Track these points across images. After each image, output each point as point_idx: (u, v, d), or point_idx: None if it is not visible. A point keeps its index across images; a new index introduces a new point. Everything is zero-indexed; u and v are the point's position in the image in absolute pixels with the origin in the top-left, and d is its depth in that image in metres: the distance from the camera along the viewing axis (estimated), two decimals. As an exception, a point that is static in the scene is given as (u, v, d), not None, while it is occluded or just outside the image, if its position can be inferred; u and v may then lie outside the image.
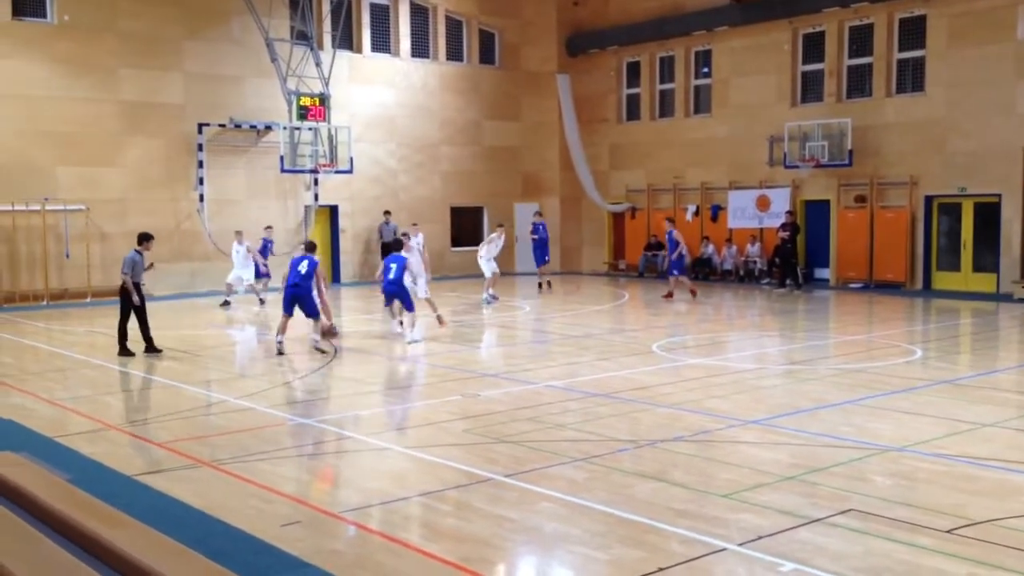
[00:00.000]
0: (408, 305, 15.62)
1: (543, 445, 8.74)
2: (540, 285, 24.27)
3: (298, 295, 14.41)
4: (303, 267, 14.41)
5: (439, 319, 16.76)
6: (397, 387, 11.93)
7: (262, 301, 21.17)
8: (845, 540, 6.17)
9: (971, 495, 7.12)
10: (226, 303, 21.14)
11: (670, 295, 21.93)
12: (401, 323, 16.17)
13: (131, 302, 14.37)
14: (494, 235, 21.65)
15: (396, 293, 15.66)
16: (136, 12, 23.78)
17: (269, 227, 23.32)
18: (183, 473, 7.97)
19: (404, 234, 18.83)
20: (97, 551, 5.72)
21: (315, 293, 14.57)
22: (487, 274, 21.15)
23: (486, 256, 21.10)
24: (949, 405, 10.32)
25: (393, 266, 15.52)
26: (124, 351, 14.36)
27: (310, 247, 15.08)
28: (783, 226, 24.18)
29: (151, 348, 14.57)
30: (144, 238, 14.99)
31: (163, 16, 24.16)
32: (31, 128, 22.50)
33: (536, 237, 24.25)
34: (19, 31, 22.41)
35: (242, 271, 21.29)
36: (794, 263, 24.26)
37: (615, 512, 6.78)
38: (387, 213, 24.97)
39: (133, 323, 14.49)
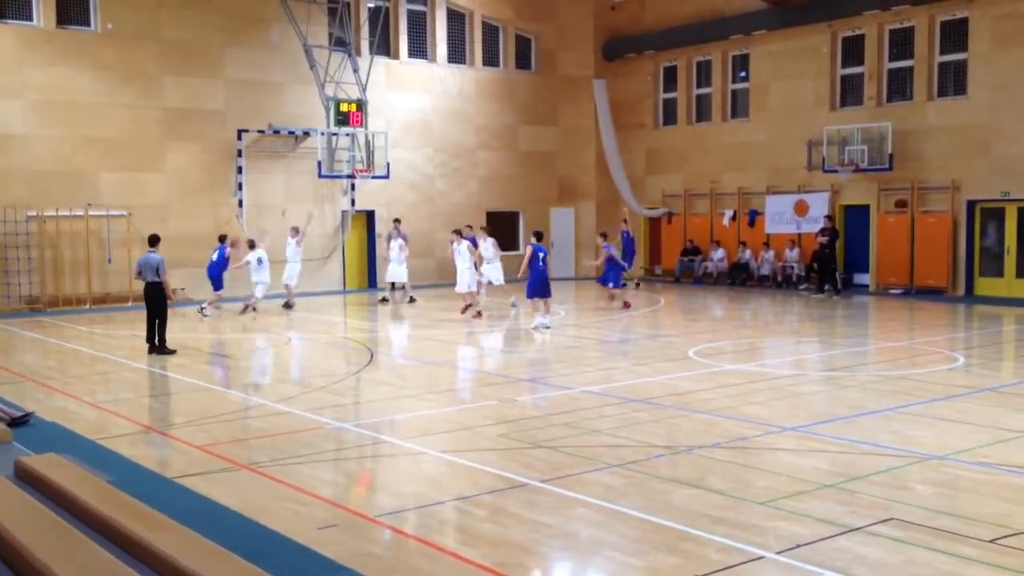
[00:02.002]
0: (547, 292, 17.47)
1: (579, 450, 8.72)
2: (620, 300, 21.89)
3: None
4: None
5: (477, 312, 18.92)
6: (434, 391, 11.97)
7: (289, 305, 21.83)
8: (885, 549, 6.08)
9: (1015, 504, 7.00)
10: (288, 305, 21.81)
11: (627, 305, 21.18)
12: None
13: (164, 302, 15.14)
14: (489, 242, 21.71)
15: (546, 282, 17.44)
16: (178, 20, 24.11)
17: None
18: (222, 476, 8.05)
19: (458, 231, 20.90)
20: (137, 552, 5.79)
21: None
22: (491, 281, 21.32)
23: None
24: (992, 413, 10.16)
25: (541, 254, 17.46)
26: (165, 349, 14.97)
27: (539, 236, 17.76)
28: (822, 231, 23.93)
29: (165, 348, 15.16)
30: (155, 240, 15.84)
31: (204, 24, 24.48)
32: (75, 135, 22.90)
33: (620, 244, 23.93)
34: (64, 39, 22.82)
35: (294, 267, 22.00)
36: (833, 268, 23.99)
37: (651, 519, 6.75)
38: (397, 221, 24.72)
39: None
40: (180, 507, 6.87)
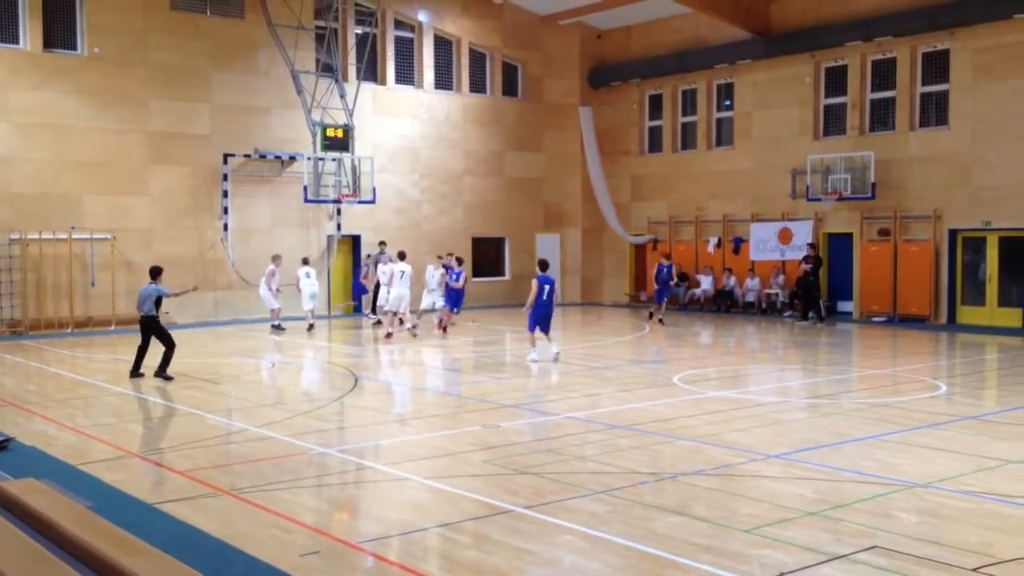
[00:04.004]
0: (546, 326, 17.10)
1: (563, 477, 8.69)
2: (651, 315, 24.44)
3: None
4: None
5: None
6: (418, 417, 11.92)
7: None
8: (869, 577, 6.07)
9: (998, 533, 7.01)
10: (311, 327, 22.61)
11: (444, 328, 21.62)
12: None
13: (156, 332, 15.09)
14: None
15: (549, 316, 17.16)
16: (165, 45, 24.16)
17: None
18: (203, 501, 7.98)
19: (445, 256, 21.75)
20: (116, 579, 5.72)
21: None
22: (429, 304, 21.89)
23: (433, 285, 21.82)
24: (975, 441, 10.19)
25: (547, 287, 16.83)
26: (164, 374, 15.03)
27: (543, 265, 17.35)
28: (805, 258, 24.07)
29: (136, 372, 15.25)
30: (157, 271, 15.61)
31: (191, 49, 24.52)
32: (60, 158, 22.84)
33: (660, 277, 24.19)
34: (50, 63, 22.81)
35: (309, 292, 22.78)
36: (816, 296, 24.11)
37: (636, 546, 6.72)
38: (382, 243, 24.70)
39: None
40: (160, 533, 6.79)
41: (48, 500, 7.23)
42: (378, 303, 23.03)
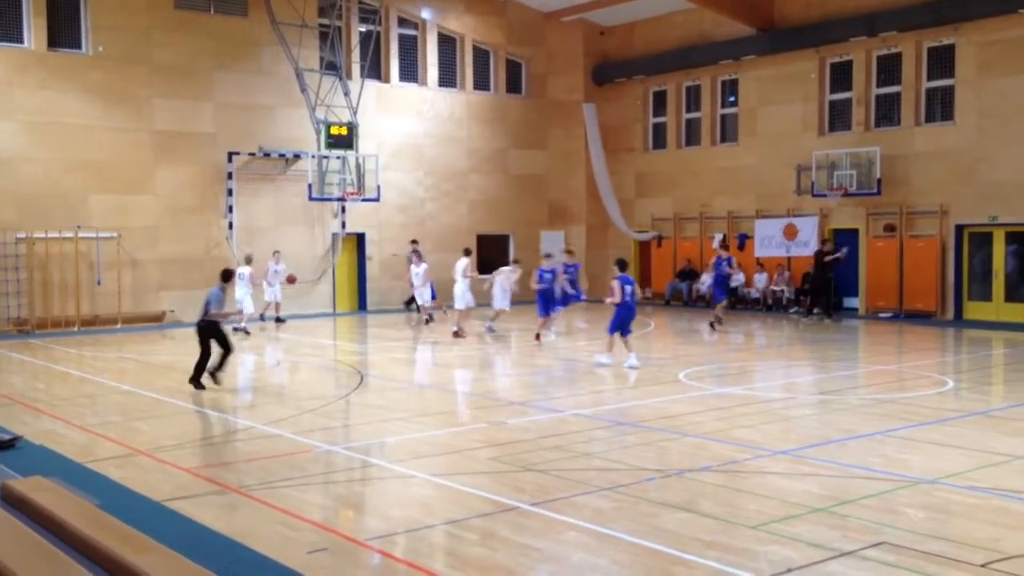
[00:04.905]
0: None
1: (569, 474, 8.69)
2: (713, 324, 21.15)
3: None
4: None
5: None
6: (424, 414, 11.93)
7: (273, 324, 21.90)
8: (877, 573, 6.07)
9: (1006, 528, 6.99)
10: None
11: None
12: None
13: (215, 337, 13.83)
14: (507, 268, 21.46)
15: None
16: (169, 43, 24.18)
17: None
18: (210, 499, 7.99)
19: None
20: (125, 576, 5.74)
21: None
22: (498, 305, 20.77)
23: (500, 286, 20.78)
24: (982, 437, 10.17)
25: (628, 287, 15.77)
26: (204, 382, 13.83)
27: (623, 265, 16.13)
28: (827, 253, 23.68)
29: (198, 382, 13.81)
30: (229, 275, 14.56)
31: (195, 47, 24.54)
32: (65, 157, 22.87)
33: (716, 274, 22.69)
34: (54, 62, 22.84)
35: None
36: (828, 293, 24.01)
37: (642, 542, 6.72)
38: (414, 242, 24.95)
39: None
40: (168, 531, 6.81)
41: (56, 498, 7.25)
42: (418, 302, 23.41)
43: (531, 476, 8.62)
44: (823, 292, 23.89)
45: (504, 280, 20.78)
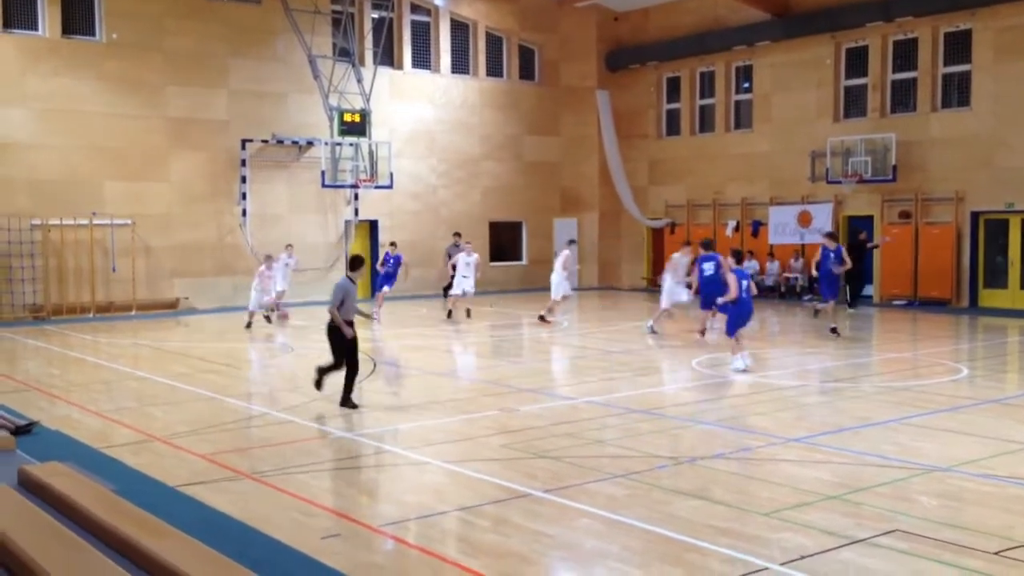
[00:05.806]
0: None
1: (582, 461, 8.71)
2: (835, 330, 17.88)
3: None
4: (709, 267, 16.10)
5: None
6: (436, 401, 11.95)
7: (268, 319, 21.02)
8: (890, 561, 6.06)
9: (1020, 516, 6.97)
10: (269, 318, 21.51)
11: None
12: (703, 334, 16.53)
13: (343, 340, 11.23)
14: (566, 251, 21.11)
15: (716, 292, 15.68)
16: (182, 31, 24.20)
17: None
18: (225, 485, 8.04)
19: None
20: (140, 561, 5.78)
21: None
22: (556, 295, 20.26)
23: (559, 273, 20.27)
24: (996, 424, 10.13)
25: (707, 265, 15.68)
26: (347, 402, 11.31)
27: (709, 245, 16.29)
28: (864, 243, 23.52)
29: (348, 401, 11.32)
30: (357, 263, 11.94)
31: (209, 34, 24.56)
32: (80, 144, 22.96)
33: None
34: (69, 49, 22.90)
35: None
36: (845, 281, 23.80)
37: (655, 529, 6.73)
38: (457, 235, 24.90)
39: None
40: (183, 516, 6.86)
41: (72, 483, 7.31)
42: (451, 292, 22.24)
43: (543, 463, 8.63)
44: (856, 280, 23.62)
45: (565, 263, 20.49)
